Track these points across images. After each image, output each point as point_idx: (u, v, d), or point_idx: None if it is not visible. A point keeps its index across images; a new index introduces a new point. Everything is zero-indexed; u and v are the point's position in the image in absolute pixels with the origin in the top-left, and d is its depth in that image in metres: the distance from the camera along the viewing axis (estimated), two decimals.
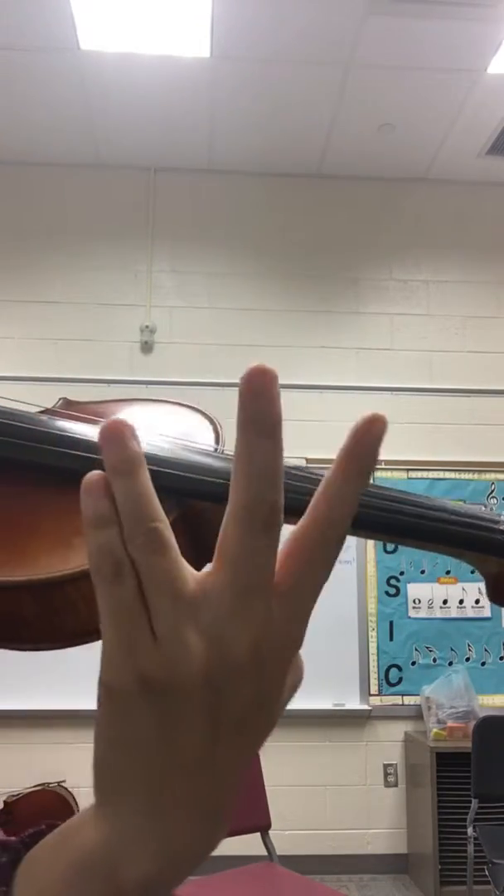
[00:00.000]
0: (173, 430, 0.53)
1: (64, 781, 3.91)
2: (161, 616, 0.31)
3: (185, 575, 0.32)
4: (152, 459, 0.40)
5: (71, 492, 0.42)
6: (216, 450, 0.51)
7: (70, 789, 3.92)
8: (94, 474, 0.32)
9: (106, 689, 0.32)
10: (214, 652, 0.31)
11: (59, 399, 0.65)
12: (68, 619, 0.41)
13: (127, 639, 0.31)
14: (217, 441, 0.53)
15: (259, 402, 0.34)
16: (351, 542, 4.44)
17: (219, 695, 0.31)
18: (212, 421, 0.57)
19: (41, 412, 0.58)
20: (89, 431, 0.48)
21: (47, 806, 3.81)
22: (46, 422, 0.50)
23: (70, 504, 0.42)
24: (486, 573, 0.46)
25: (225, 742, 0.32)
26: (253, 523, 0.31)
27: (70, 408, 0.63)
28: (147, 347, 4.61)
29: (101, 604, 0.32)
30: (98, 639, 0.36)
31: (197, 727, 0.31)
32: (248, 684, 0.31)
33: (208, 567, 0.33)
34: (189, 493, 0.42)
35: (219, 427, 0.55)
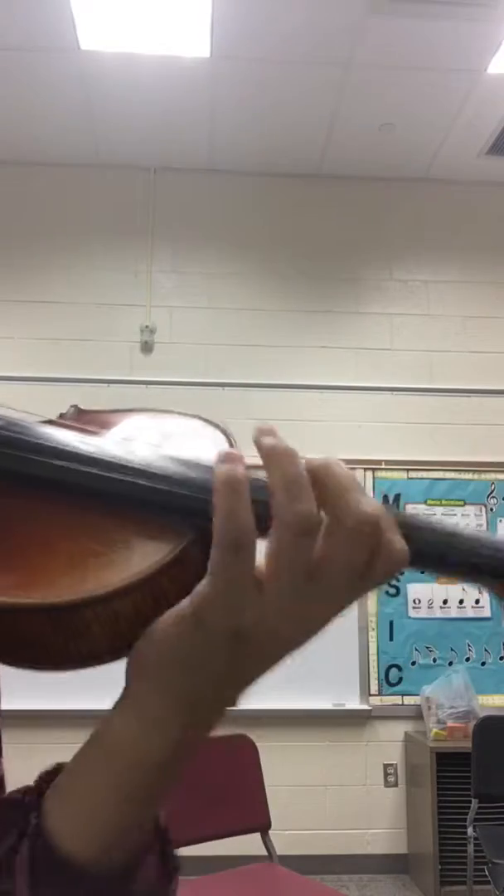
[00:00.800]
0: (189, 445, 0.52)
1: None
2: (277, 587, 0.38)
3: (311, 557, 0.38)
4: (169, 480, 0.43)
5: (86, 510, 0.44)
6: None
7: None
8: (232, 451, 0.39)
9: (198, 621, 0.39)
10: (303, 622, 0.39)
11: (71, 406, 0.64)
12: (83, 641, 0.41)
13: (234, 598, 0.38)
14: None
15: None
16: None
17: (280, 647, 0.40)
18: (226, 435, 0.56)
19: (47, 422, 0.57)
20: (104, 446, 0.46)
21: None
22: (59, 437, 0.48)
23: (85, 523, 0.44)
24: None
25: (252, 674, 0.41)
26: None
27: (82, 416, 0.61)
28: (147, 347, 4.61)
29: (219, 565, 0.38)
30: (110, 661, 0.42)
31: (250, 663, 0.40)
32: (297, 643, 0.40)
33: None
34: (205, 515, 0.41)
35: (233, 441, 0.53)
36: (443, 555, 0.43)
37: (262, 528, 0.39)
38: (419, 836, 3.95)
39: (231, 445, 0.52)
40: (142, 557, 0.41)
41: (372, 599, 4.36)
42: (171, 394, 4.51)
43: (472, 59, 3.85)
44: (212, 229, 4.79)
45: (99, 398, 4.43)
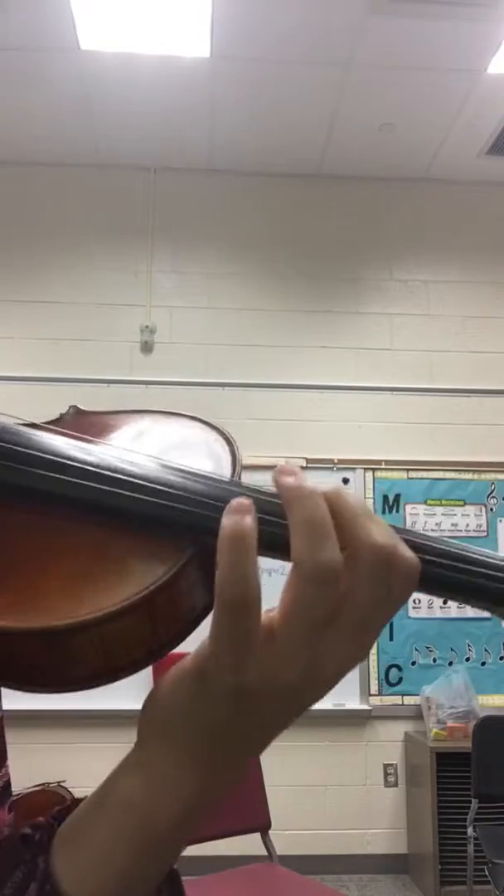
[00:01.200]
0: (189, 452, 0.49)
1: (64, 781, 3.91)
2: (291, 638, 0.36)
3: (332, 602, 0.36)
4: (168, 494, 0.41)
5: (80, 524, 0.42)
6: (233, 476, 0.46)
7: (70, 789, 3.92)
8: (242, 500, 0.36)
9: (201, 679, 0.38)
10: (319, 674, 0.37)
11: (70, 407, 0.61)
12: (80, 664, 0.40)
13: (241, 656, 0.36)
14: (234, 466, 0.48)
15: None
16: None
17: (293, 700, 0.38)
18: (229, 441, 0.52)
19: (41, 426, 0.55)
20: (101, 456, 0.44)
21: (47, 806, 3.79)
22: (52, 446, 0.45)
23: (80, 538, 0.42)
24: None
25: (269, 728, 0.40)
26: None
27: (81, 418, 0.58)
28: (147, 347, 4.61)
29: (221, 625, 0.36)
30: (110, 683, 0.40)
31: (261, 718, 0.39)
32: (312, 697, 0.38)
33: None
34: (206, 529, 0.39)
35: (236, 449, 0.50)
36: (453, 576, 0.41)
37: (279, 549, 0.38)
38: (419, 836, 3.95)
39: (232, 448, 0.50)
40: (138, 576, 0.39)
41: None
42: (171, 394, 4.51)
43: (472, 59, 3.85)
44: (212, 229, 4.79)
45: (99, 398, 4.43)
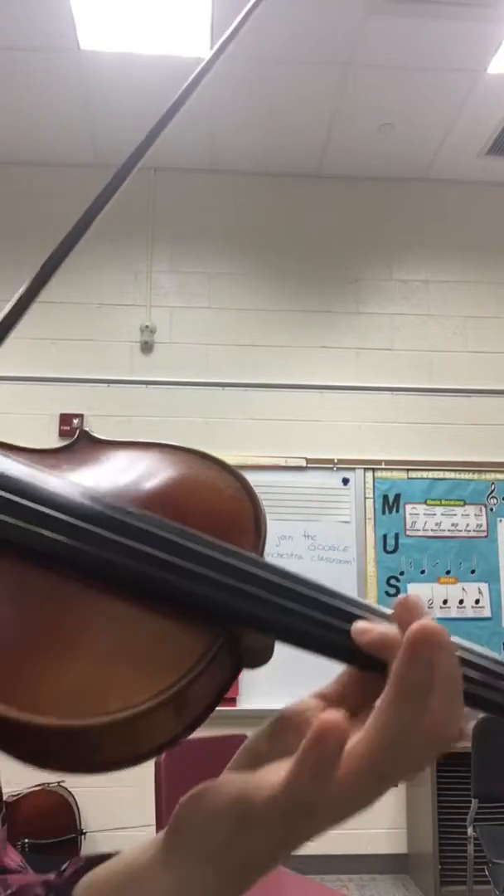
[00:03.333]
0: (207, 512, 0.46)
1: (64, 781, 3.91)
2: (354, 774, 0.36)
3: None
4: (206, 578, 0.40)
5: (110, 601, 0.40)
6: (259, 545, 0.45)
7: (70, 789, 3.92)
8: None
9: (247, 826, 0.38)
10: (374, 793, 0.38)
11: (80, 432, 0.57)
12: (103, 754, 0.38)
13: (312, 794, 0.36)
14: (258, 531, 0.45)
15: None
16: (350, 541, 4.45)
17: (344, 816, 0.39)
18: (255, 503, 0.47)
19: (61, 449, 0.53)
20: (130, 523, 0.42)
21: (47, 806, 3.81)
22: (74, 505, 0.43)
23: (103, 611, 0.40)
24: None
25: (315, 835, 0.39)
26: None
27: (92, 445, 0.55)
28: (147, 347, 4.61)
29: (296, 768, 0.36)
30: (130, 767, 0.39)
31: (308, 833, 0.39)
32: (361, 810, 0.39)
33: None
34: (240, 618, 0.39)
35: (262, 514, 0.47)
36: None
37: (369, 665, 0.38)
38: (419, 836, 3.95)
39: (259, 519, 0.46)
40: (169, 665, 0.38)
41: (372, 599, 4.36)
42: (172, 394, 4.51)
43: (472, 59, 3.85)
44: (212, 229, 4.79)
45: (99, 398, 4.43)
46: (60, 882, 0.46)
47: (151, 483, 0.49)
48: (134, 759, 0.38)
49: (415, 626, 0.35)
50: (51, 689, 0.37)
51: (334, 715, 0.35)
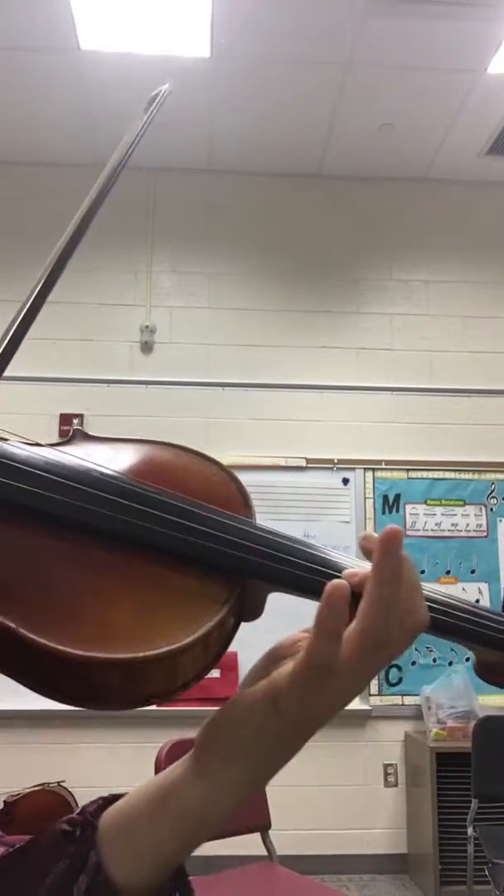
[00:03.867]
0: (204, 493, 0.54)
1: (64, 781, 3.91)
2: (356, 665, 0.44)
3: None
4: (225, 540, 0.49)
5: (140, 563, 0.48)
6: (251, 511, 0.54)
7: (70, 789, 3.92)
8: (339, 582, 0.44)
9: (276, 709, 0.45)
10: (357, 688, 0.46)
11: (74, 430, 0.64)
12: (144, 687, 0.45)
13: (319, 687, 0.44)
14: (249, 510, 0.54)
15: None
16: (350, 541, 4.45)
17: (339, 709, 0.46)
18: (240, 487, 0.57)
19: (58, 444, 0.59)
20: (179, 503, 0.51)
21: (47, 806, 3.81)
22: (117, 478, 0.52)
23: (143, 572, 0.48)
24: (481, 658, 0.56)
25: (314, 733, 0.47)
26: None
27: (87, 441, 0.62)
28: (147, 347, 4.61)
29: (317, 656, 0.44)
30: (157, 704, 0.47)
31: (313, 729, 0.47)
32: (346, 704, 0.47)
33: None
34: (250, 573, 0.49)
35: (249, 496, 0.56)
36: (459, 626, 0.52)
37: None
38: (419, 836, 3.95)
39: (238, 486, 0.56)
40: (199, 611, 0.46)
41: None
42: (171, 394, 4.51)
43: (472, 59, 3.85)
44: (212, 229, 4.79)
45: (99, 398, 4.43)
46: (83, 818, 0.51)
47: (152, 469, 0.57)
48: (170, 692, 0.46)
49: (385, 528, 0.45)
50: (106, 632, 0.45)
51: (338, 580, 0.44)
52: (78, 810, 0.52)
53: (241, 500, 0.54)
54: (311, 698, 0.45)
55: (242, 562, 0.48)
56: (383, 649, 0.45)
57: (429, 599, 0.49)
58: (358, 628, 0.44)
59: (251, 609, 0.51)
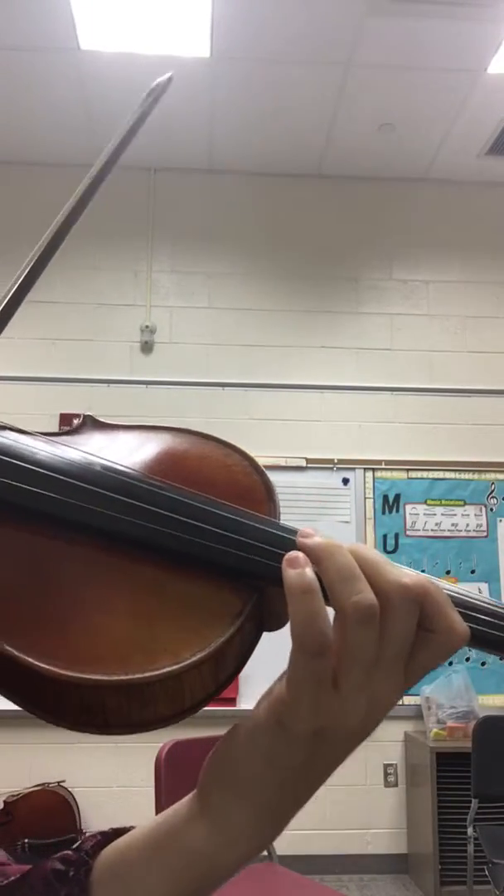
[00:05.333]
0: (224, 485, 0.49)
1: (64, 781, 3.91)
2: (350, 681, 0.38)
3: (377, 643, 0.39)
4: (236, 541, 0.43)
5: (141, 566, 0.43)
6: (275, 514, 0.47)
7: (70, 789, 3.92)
8: (296, 553, 0.39)
9: (280, 727, 0.39)
10: (372, 711, 0.40)
11: (85, 417, 0.58)
12: (146, 710, 0.40)
13: (315, 700, 0.38)
14: (272, 502, 0.48)
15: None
16: (350, 541, 4.41)
17: (357, 739, 0.41)
18: (263, 476, 0.51)
19: (67, 433, 0.54)
20: (189, 500, 0.44)
21: (47, 806, 3.81)
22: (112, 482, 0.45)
23: (144, 579, 0.42)
24: None
25: (332, 769, 0.42)
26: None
27: (97, 428, 0.56)
28: (147, 347, 4.61)
29: (296, 669, 0.38)
30: (163, 728, 0.41)
31: (329, 761, 0.41)
32: (368, 732, 0.42)
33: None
34: (268, 577, 0.41)
35: (272, 486, 0.50)
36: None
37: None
38: (419, 836, 3.95)
39: (263, 478, 0.50)
40: (209, 622, 0.41)
41: None
42: (171, 394, 4.51)
43: (472, 59, 3.85)
44: (212, 229, 4.79)
45: (99, 398, 4.43)
46: (78, 857, 0.46)
47: (162, 459, 0.51)
48: (176, 716, 0.40)
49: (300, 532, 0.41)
50: (102, 649, 0.39)
51: (293, 554, 0.39)
52: (76, 844, 0.47)
53: (265, 493, 0.48)
54: (321, 714, 0.39)
55: (260, 566, 0.42)
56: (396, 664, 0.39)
57: (463, 605, 0.42)
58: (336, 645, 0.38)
59: (275, 617, 0.44)
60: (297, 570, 0.38)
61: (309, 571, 0.38)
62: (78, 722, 0.40)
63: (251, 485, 0.49)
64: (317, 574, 0.39)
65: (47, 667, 0.38)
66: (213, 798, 0.42)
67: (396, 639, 0.39)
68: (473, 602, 0.43)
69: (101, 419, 0.58)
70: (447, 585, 0.43)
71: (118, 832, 0.47)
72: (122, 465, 0.47)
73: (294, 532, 0.43)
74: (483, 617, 0.43)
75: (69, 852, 0.47)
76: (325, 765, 0.41)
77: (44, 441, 0.49)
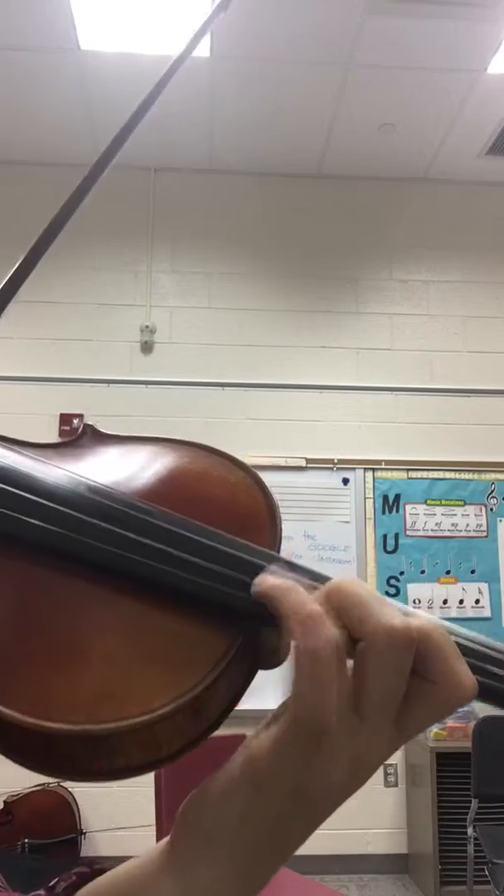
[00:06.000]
0: (220, 507, 0.45)
1: (63, 781, 3.91)
2: (332, 738, 0.35)
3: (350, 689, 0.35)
4: (225, 577, 0.38)
5: (122, 598, 0.38)
6: (276, 540, 0.44)
7: (70, 789, 3.92)
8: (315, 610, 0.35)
9: (256, 787, 0.37)
10: (357, 767, 0.36)
11: (86, 426, 0.55)
12: (117, 759, 0.36)
13: (294, 759, 0.36)
14: (273, 526, 0.44)
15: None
16: (350, 541, 4.45)
17: (343, 794, 0.37)
18: (267, 496, 0.47)
19: (66, 443, 0.52)
20: (174, 526, 0.40)
21: (47, 806, 3.81)
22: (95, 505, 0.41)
23: (119, 612, 0.38)
24: None
25: (313, 827, 0.39)
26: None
27: (97, 440, 0.53)
28: (147, 347, 4.61)
29: (293, 737, 0.35)
30: (141, 775, 0.37)
31: (308, 821, 0.38)
32: (351, 791, 0.38)
33: None
34: (261, 618, 0.37)
35: (276, 508, 0.46)
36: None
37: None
38: (419, 836, 3.95)
39: (269, 501, 0.46)
40: (187, 665, 0.36)
41: None
42: (171, 394, 4.51)
43: (472, 59, 3.85)
44: (212, 229, 4.79)
45: (99, 398, 4.43)
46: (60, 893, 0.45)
47: (159, 477, 0.47)
48: (151, 765, 0.37)
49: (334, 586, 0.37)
50: (66, 693, 0.35)
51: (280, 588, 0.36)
52: (51, 883, 0.45)
53: (268, 516, 0.45)
54: (301, 774, 0.35)
55: (250, 604, 0.37)
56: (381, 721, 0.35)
57: (475, 655, 0.37)
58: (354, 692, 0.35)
59: (270, 655, 0.39)
60: (313, 637, 0.34)
61: (328, 637, 0.35)
62: (46, 767, 0.36)
63: (253, 506, 0.45)
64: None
65: (6, 710, 0.34)
66: (182, 851, 0.38)
67: (379, 689, 0.34)
68: (487, 651, 0.38)
69: (98, 425, 0.55)
70: (459, 630, 0.38)
71: (95, 872, 0.44)
72: (104, 485, 0.43)
73: (289, 564, 0.39)
74: (498, 671, 0.37)
75: (42, 893, 0.45)
76: (305, 823, 0.38)
77: (20, 453, 0.45)
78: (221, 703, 0.38)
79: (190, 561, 0.39)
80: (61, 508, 0.40)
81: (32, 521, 0.40)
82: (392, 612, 0.35)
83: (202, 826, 0.38)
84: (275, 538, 0.43)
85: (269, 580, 0.36)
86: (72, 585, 0.39)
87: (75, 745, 0.35)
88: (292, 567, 0.39)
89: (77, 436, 0.53)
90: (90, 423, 0.55)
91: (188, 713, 0.36)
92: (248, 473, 0.48)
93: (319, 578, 0.38)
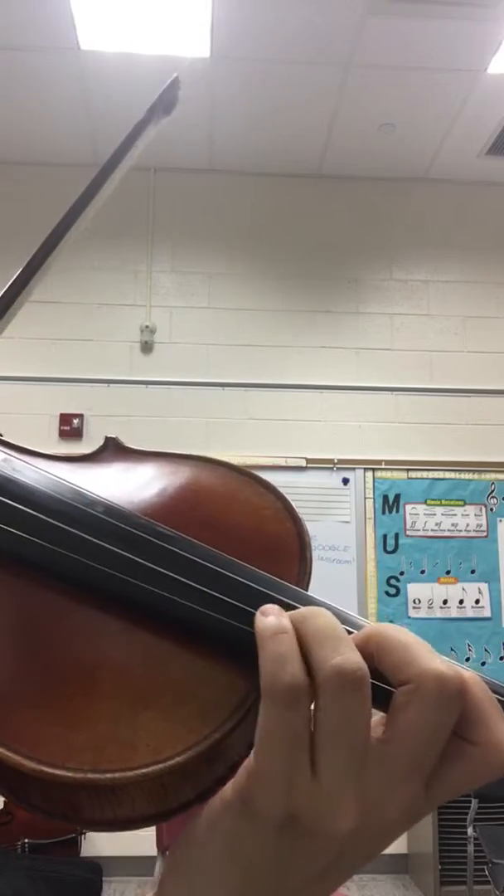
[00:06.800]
0: (247, 535, 0.42)
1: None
2: (330, 764, 0.30)
3: (368, 725, 0.31)
4: (239, 611, 0.35)
5: (136, 632, 0.35)
6: (304, 572, 0.41)
7: None
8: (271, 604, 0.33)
9: (244, 806, 0.32)
10: (368, 816, 0.31)
11: (108, 439, 0.52)
12: (121, 809, 0.33)
13: (287, 772, 0.31)
14: (303, 556, 0.42)
15: None
16: (350, 541, 4.45)
17: (345, 851, 0.32)
18: (298, 523, 0.43)
19: (88, 456, 0.50)
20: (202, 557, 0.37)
21: None
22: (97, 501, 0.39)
23: (130, 648, 0.35)
24: None
25: (326, 882, 0.33)
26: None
27: (119, 455, 0.50)
28: (147, 347, 4.61)
29: (266, 726, 0.31)
30: (147, 827, 0.35)
31: (309, 869, 0.32)
32: (368, 848, 0.33)
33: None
34: None
35: (306, 536, 0.43)
36: None
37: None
38: (419, 836, 3.95)
39: (294, 520, 0.43)
40: (204, 710, 0.33)
41: (372, 599, 4.36)
42: (171, 394, 4.51)
43: (472, 59, 3.85)
44: (212, 229, 4.79)
45: (99, 398, 4.43)
46: None
47: (184, 500, 0.45)
48: (159, 816, 0.34)
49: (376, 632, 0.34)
50: (69, 738, 0.33)
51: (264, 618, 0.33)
52: None
53: (297, 546, 0.42)
54: (294, 793, 0.31)
55: None
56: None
57: None
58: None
59: None
60: (270, 617, 0.32)
61: (285, 620, 0.32)
62: (49, 813, 0.34)
63: (283, 535, 0.42)
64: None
65: (6, 752, 0.32)
66: (174, 887, 0.34)
67: (419, 738, 0.31)
68: None
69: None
70: (496, 683, 0.34)
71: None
72: (121, 506, 0.40)
73: (312, 600, 0.37)
74: None
75: None
76: (305, 871, 0.32)
77: (34, 467, 0.43)
78: (238, 750, 0.34)
79: (213, 596, 0.36)
80: (71, 529, 0.38)
81: (37, 540, 0.37)
82: (442, 660, 0.32)
83: (193, 854, 0.34)
84: (304, 571, 0.41)
85: (265, 622, 0.33)
86: (80, 614, 0.36)
87: (76, 793, 0.32)
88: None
89: (98, 449, 0.51)
90: (114, 437, 0.53)
91: (201, 762, 0.33)
92: (278, 497, 0.45)
93: (353, 623, 0.36)
